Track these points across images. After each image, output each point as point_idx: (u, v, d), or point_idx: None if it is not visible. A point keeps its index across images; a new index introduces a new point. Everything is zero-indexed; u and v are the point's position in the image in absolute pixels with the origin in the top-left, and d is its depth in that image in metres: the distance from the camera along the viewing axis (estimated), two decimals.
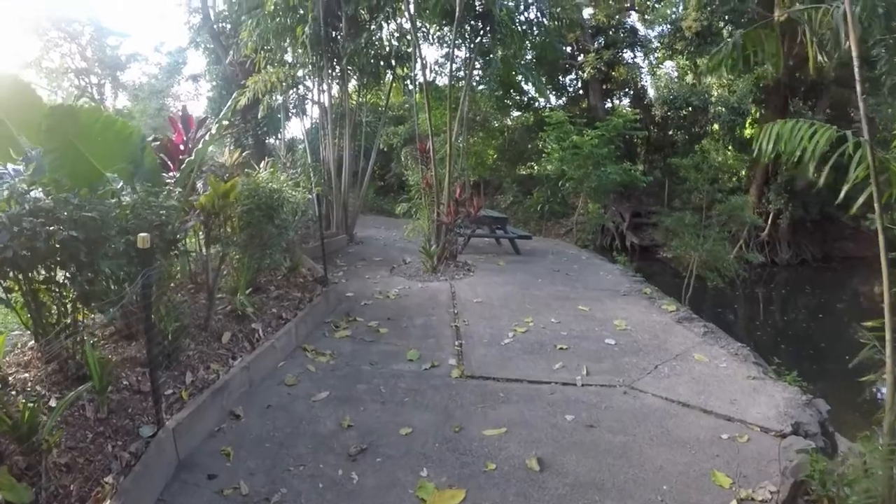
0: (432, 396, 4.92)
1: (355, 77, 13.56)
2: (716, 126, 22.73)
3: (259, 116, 16.59)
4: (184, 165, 6.17)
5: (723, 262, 11.05)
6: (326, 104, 13.39)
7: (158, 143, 6.73)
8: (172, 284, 5.77)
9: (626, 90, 25.38)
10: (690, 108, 21.92)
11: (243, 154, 10.42)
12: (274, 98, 13.77)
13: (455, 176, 11.33)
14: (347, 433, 4.23)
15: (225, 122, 7.86)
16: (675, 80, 23.68)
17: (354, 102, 14.29)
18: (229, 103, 8.04)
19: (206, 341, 5.41)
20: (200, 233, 6.23)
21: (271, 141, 24.81)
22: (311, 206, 8.44)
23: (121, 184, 5.18)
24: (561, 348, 6.07)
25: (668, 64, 25.96)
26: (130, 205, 4.56)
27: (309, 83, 14.60)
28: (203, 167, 7.01)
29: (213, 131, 6.84)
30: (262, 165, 11.39)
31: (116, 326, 4.88)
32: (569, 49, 25.13)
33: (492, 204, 24.46)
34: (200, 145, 6.33)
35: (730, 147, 22.93)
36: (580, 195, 16.69)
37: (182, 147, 6.78)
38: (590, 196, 16.40)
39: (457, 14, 10.08)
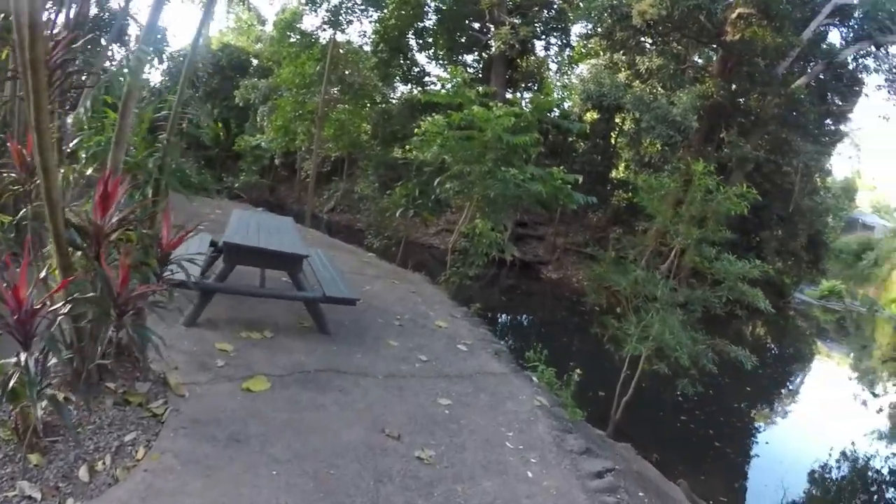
0: None
1: None
2: (621, 140, 21.17)
3: None
4: None
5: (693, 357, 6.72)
6: None
7: None
8: None
9: (531, 83, 23.14)
10: (601, 113, 20.01)
11: None
12: None
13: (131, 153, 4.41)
14: None
15: None
16: (605, 74, 18.77)
17: None
18: None
19: None
20: None
21: None
22: None
23: None
24: None
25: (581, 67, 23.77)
26: None
27: None
28: None
29: None
30: None
31: None
32: (476, 25, 22.36)
33: (349, 187, 19.34)
34: None
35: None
36: (468, 203, 10.57)
37: None
38: (481, 209, 10.22)
39: None
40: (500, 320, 14.00)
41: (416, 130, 10.90)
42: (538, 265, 20.31)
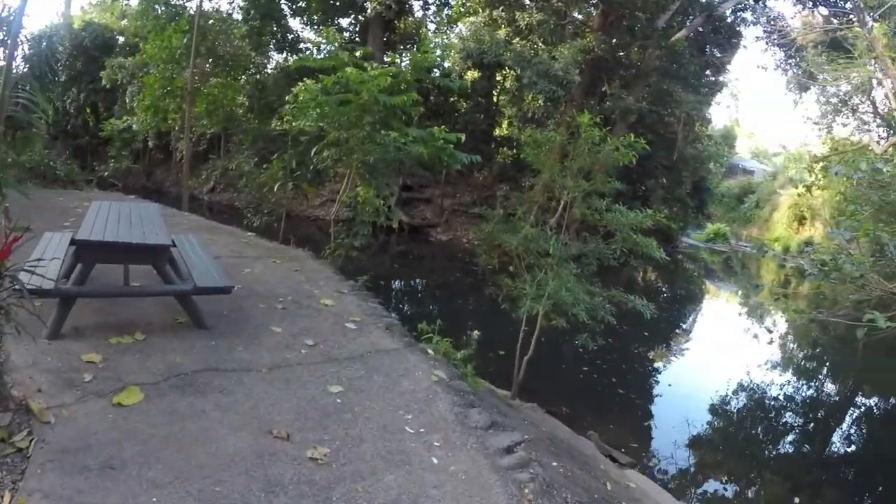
0: None
1: None
2: (504, 97, 21.12)
3: None
4: None
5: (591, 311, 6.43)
6: None
7: None
8: None
9: (409, 45, 22.65)
10: (482, 71, 19.96)
11: None
12: None
13: None
14: None
15: None
16: (485, 31, 18.54)
17: None
18: None
19: None
20: None
21: None
22: None
23: None
24: None
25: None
26: None
27: None
28: None
29: None
30: None
31: None
32: None
33: (227, 165, 19.78)
34: None
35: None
36: (348, 170, 9.95)
37: None
38: (362, 176, 9.64)
39: None
40: (392, 289, 13.63)
41: (287, 98, 10.16)
42: (427, 228, 20.27)
